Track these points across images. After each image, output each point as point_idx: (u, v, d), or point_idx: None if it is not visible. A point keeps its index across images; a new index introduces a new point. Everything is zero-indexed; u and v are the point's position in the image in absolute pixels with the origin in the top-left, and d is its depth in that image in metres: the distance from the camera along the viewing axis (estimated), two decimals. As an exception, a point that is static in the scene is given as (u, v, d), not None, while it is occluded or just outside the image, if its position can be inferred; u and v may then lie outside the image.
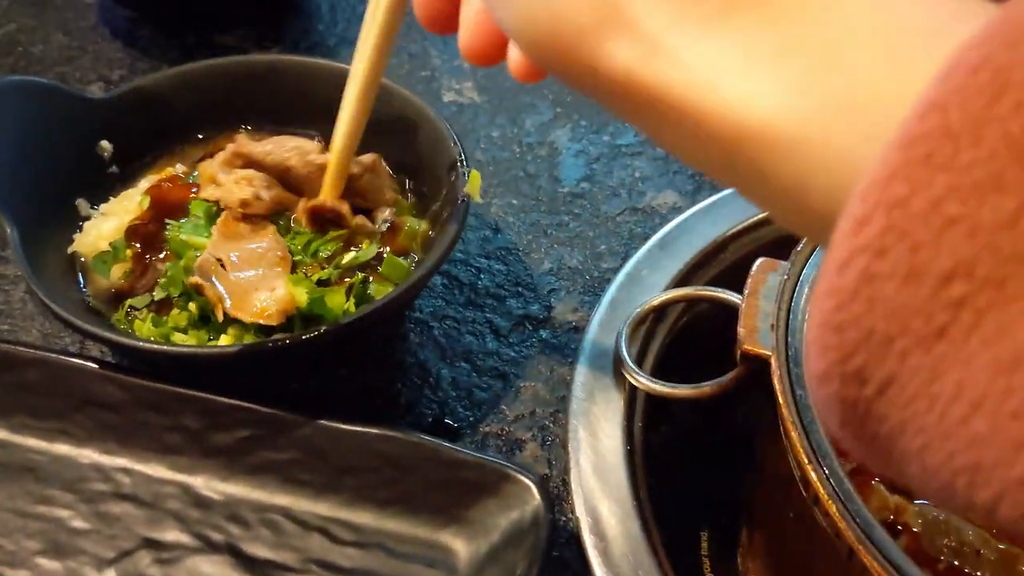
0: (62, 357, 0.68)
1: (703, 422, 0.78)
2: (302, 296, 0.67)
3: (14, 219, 0.67)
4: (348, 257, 0.71)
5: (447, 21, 0.49)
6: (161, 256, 0.71)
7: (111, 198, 0.76)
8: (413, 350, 0.76)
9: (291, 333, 0.66)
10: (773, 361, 0.62)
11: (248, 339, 0.66)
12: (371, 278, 0.71)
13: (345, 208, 0.72)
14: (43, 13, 1.09)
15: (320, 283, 0.70)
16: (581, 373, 0.74)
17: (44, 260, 0.69)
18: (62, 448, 0.68)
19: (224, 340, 0.67)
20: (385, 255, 0.71)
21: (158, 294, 0.70)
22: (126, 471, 0.67)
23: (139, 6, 1.07)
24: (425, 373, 0.75)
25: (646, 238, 0.85)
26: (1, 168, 0.69)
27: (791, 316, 0.65)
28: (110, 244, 0.72)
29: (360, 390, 0.74)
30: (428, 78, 1.02)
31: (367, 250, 0.72)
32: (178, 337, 0.67)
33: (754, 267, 0.71)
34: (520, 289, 0.81)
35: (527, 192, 0.90)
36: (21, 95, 0.73)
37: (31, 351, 0.69)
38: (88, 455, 0.68)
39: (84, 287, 0.72)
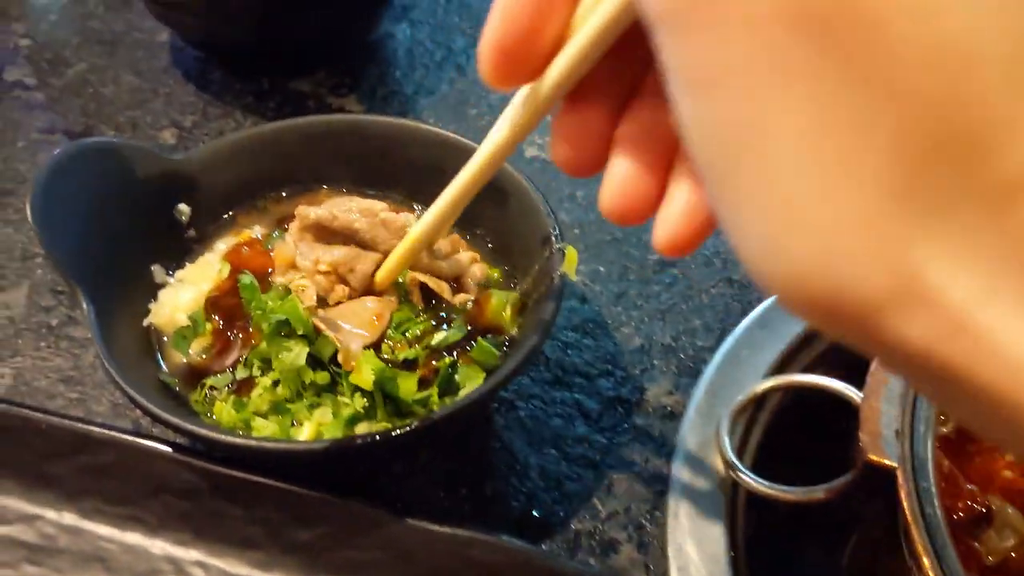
0: (137, 440, 0.65)
1: (812, 525, 0.73)
2: (368, 376, 0.63)
3: (90, 294, 0.64)
4: (438, 338, 0.68)
5: (594, 166, 0.41)
6: (242, 333, 0.67)
7: (187, 264, 0.73)
8: (498, 433, 0.72)
9: (379, 426, 0.62)
10: (899, 475, 0.57)
11: (329, 428, 0.62)
12: (459, 359, 0.67)
13: (444, 288, 0.69)
14: (114, 52, 1.07)
15: (406, 363, 0.66)
16: (679, 467, 0.70)
17: (118, 332, 0.66)
18: (134, 537, 0.64)
19: (307, 428, 0.63)
20: (476, 341, 0.67)
21: (240, 372, 0.66)
22: (201, 565, 0.63)
23: (211, 48, 1.04)
24: (511, 459, 0.71)
25: (743, 313, 0.80)
26: (77, 235, 0.66)
27: (915, 422, 0.60)
28: (189, 318, 0.68)
29: (444, 477, 0.69)
30: (509, 130, 0.98)
31: (456, 332, 0.68)
32: (258, 424, 0.63)
33: (873, 364, 0.66)
34: (610, 367, 0.77)
35: (614, 258, 0.85)
36: (100, 157, 0.70)
37: (104, 432, 0.66)
38: (161, 545, 0.64)
39: (161, 361, 0.69)
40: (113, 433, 0.65)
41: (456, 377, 0.66)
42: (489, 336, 0.69)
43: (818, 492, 0.65)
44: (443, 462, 0.70)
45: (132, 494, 0.65)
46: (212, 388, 0.66)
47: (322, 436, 0.62)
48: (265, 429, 0.63)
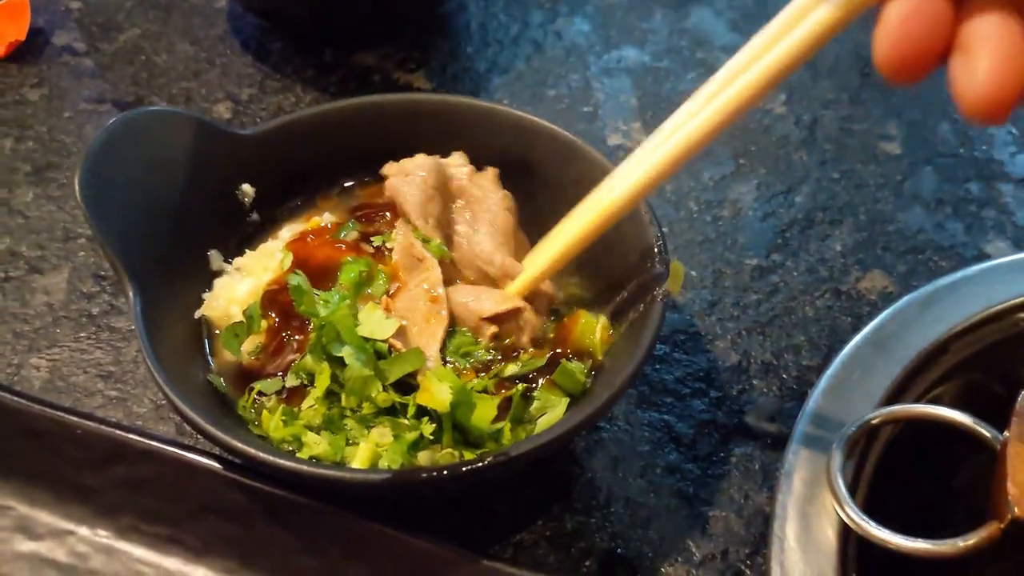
0: (181, 452, 0.58)
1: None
2: (444, 396, 0.55)
3: (139, 284, 0.57)
4: (511, 368, 0.60)
5: (927, 61, 0.37)
6: (298, 334, 0.60)
7: (247, 251, 0.66)
8: (579, 457, 0.65)
9: (444, 455, 0.55)
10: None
11: (389, 453, 0.55)
12: (538, 381, 0.60)
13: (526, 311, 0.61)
14: (169, 18, 1.00)
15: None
16: (783, 506, 0.61)
17: (166, 324, 0.59)
18: (173, 562, 0.58)
19: (363, 449, 0.55)
20: (560, 362, 0.59)
21: (290, 380, 0.59)
22: (247, 597, 0.57)
23: (272, 16, 0.97)
24: (594, 490, 0.63)
25: (853, 330, 0.71)
26: (128, 217, 0.59)
27: (1073, 474, 0.51)
28: (244, 312, 0.61)
29: (518, 507, 0.62)
30: (590, 115, 0.89)
31: (535, 360, 0.60)
32: (310, 439, 0.56)
33: (1019, 402, 0.57)
34: (703, 386, 0.69)
35: (707, 262, 0.77)
36: (156, 128, 0.63)
37: (145, 441, 0.59)
38: (203, 573, 0.57)
39: (210, 357, 0.62)
40: (155, 443, 0.59)
41: (534, 401, 0.59)
42: (574, 360, 0.61)
43: (946, 547, 0.56)
44: (517, 490, 0.63)
45: (174, 513, 0.58)
46: (261, 393, 0.59)
47: (379, 459, 0.55)
48: (316, 447, 0.56)
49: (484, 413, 0.55)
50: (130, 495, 0.59)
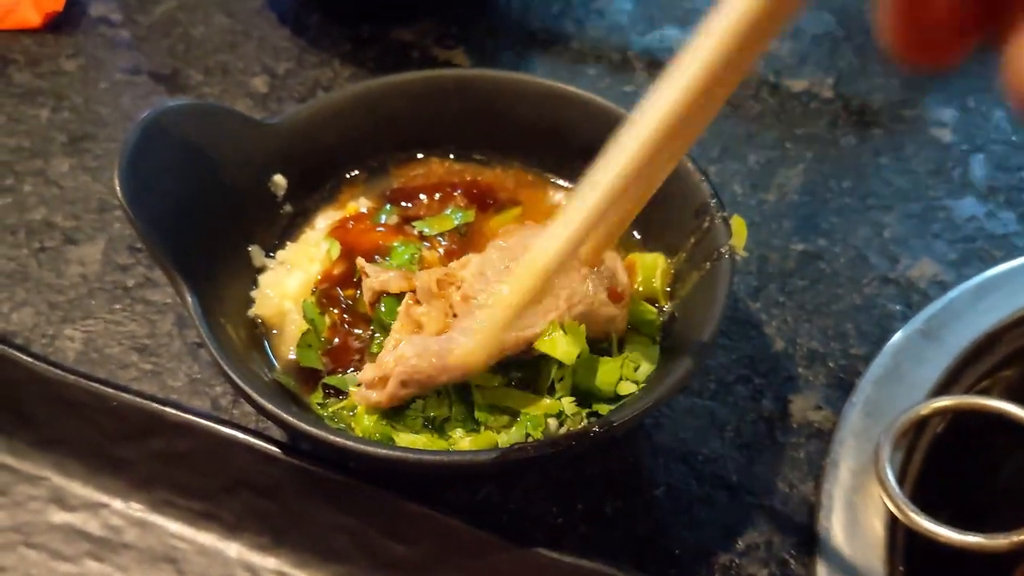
0: (215, 426, 0.57)
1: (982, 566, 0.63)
2: (572, 348, 0.54)
3: (193, 285, 0.55)
4: None
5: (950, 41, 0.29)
6: (361, 326, 0.59)
7: (288, 243, 0.64)
8: (619, 442, 0.63)
9: (548, 434, 0.54)
10: None
11: (477, 439, 0.54)
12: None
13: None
14: (206, -10, 0.99)
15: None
16: (829, 497, 0.60)
17: (220, 322, 0.57)
18: (208, 537, 0.57)
19: (467, 441, 0.54)
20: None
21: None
22: (280, 575, 0.56)
23: (310, -11, 0.96)
24: (635, 475, 0.61)
25: (903, 318, 0.70)
26: (170, 216, 0.57)
27: None
28: (304, 317, 0.59)
29: (557, 490, 0.61)
30: (632, 95, 0.88)
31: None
32: (405, 439, 0.54)
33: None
34: (748, 373, 0.67)
35: (751, 246, 0.75)
36: (188, 122, 0.60)
37: (181, 414, 0.58)
38: (237, 549, 0.57)
39: (270, 354, 0.60)
40: (191, 417, 0.58)
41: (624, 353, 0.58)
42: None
43: (1000, 541, 0.55)
44: (557, 477, 0.61)
45: (208, 487, 0.58)
46: (332, 389, 0.57)
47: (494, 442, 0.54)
48: (415, 444, 0.54)
49: (607, 376, 0.54)
50: (165, 469, 0.58)
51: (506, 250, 0.58)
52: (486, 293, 0.55)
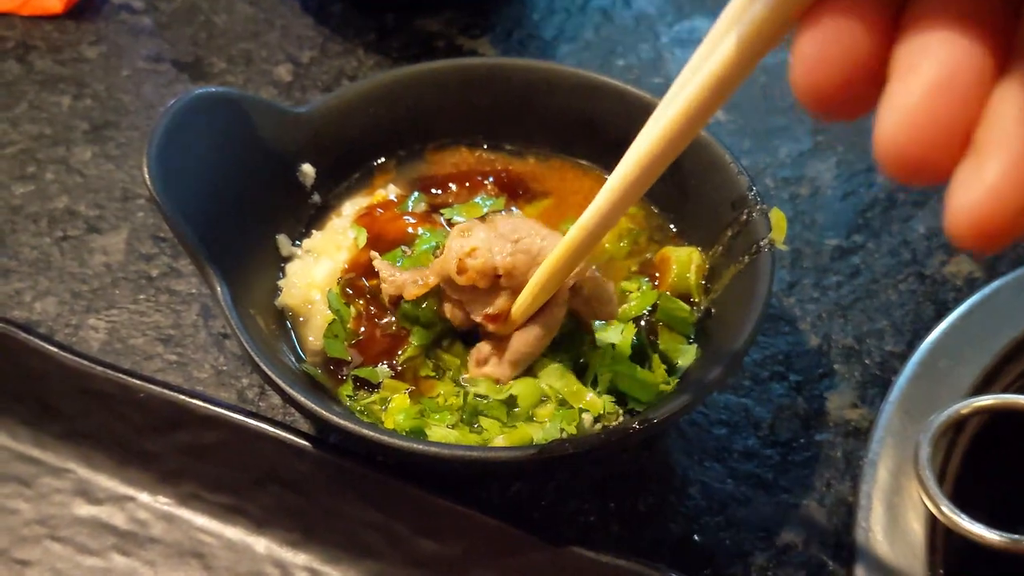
0: (243, 419, 0.56)
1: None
2: (627, 337, 0.56)
3: (222, 275, 0.54)
4: (625, 307, 0.59)
5: (858, 103, 0.28)
6: (388, 316, 0.58)
7: (314, 232, 0.63)
8: (654, 439, 0.62)
9: (586, 429, 0.53)
10: None
11: (511, 435, 0.53)
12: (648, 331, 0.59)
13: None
14: (228, -23, 0.98)
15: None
16: (867, 497, 0.59)
17: (249, 312, 0.56)
18: (236, 532, 0.56)
19: (502, 438, 0.53)
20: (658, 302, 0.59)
21: (405, 355, 0.57)
22: (310, 571, 0.55)
23: (334, -23, 0.95)
24: (668, 472, 0.60)
25: (938, 316, 0.68)
26: (199, 205, 0.55)
27: None
28: (331, 308, 0.58)
29: (591, 487, 0.60)
30: (661, 86, 0.86)
31: (644, 297, 0.59)
32: (438, 434, 0.53)
33: None
34: (783, 370, 0.66)
35: (786, 240, 0.74)
36: (216, 110, 0.59)
37: (208, 407, 0.57)
38: (266, 544, 0.56)
39: (297, 344, 0.59)
40: (218, 409, 0.57)
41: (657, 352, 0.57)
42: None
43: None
44: (588, 469, 0.60)
45: (236, 481, 0.56)
46: (362, 380, 0.56)
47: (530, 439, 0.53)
48: (448, 439, 0.54)
49: (645, 384, 0.55)
50: (192, 462, 0.57)
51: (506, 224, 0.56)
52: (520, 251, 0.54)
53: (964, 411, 0.60)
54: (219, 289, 0.53)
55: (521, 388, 0.55)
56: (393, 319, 0.57)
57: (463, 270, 0.53)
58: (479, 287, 0.54)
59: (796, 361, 0.66)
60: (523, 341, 0.55)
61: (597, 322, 0.57)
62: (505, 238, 0.54)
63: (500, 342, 0.56)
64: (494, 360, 0.56)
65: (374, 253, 0.59)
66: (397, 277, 0.57)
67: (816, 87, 0.27)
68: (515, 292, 0.53)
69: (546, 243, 0.53)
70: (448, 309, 0.56)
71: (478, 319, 0.55)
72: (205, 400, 0.57)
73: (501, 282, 0.53)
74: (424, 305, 0.56)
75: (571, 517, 0.58)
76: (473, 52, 0.89)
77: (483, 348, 0.56)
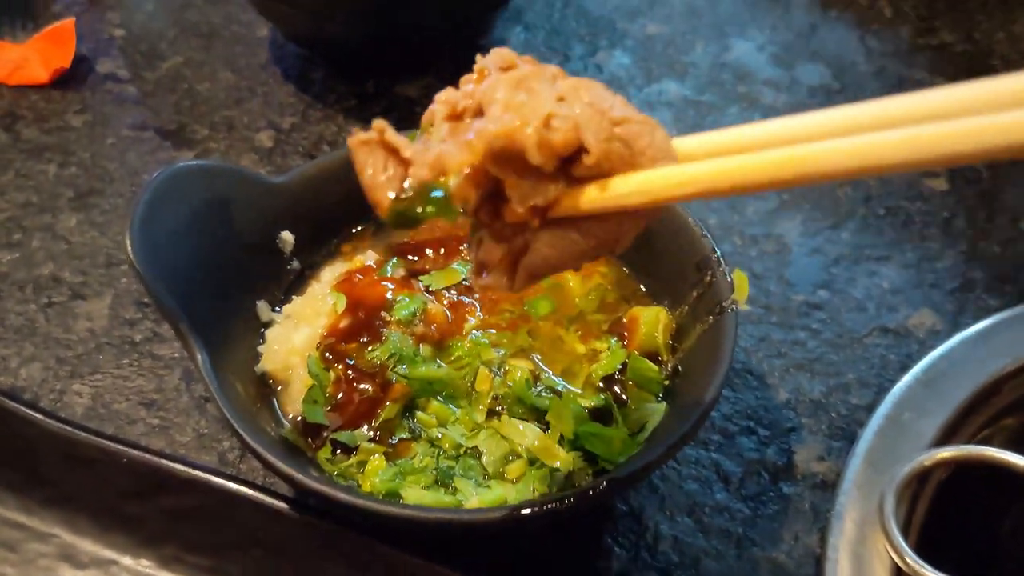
0: (224, 482, 0.57)
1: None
2: (569, 422, 0.57)
3: (203, 343, 0.56)
4: (596, 366, 0.61)
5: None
6: (366, 382, 0.60)
7: (294, 297, 0.65)
8: (625, 496, 0.64)
9: (570, 489, 0.55)
10: None
11: (485, 496, 0.54)
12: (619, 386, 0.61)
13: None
14: (211, 47, 1.01)
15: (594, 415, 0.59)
16: (836, 549, 0.60)
17: (229, 379, 0.58)
18: (218, 594, 0.57)
19: (476, 500, 0.55)
20: (628, 359, 0.61)
21: (382, 418, 0.58)
22: (291, 632, 0.56)
23: (314, 45, 0.98)
24: (641, 528, 0.62)
25: (902, 368, 0.70)
26: (180, 274, 0.57)
27: None
28: (310, 373, 0.60)
29: (565, 544, 0.61)
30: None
31: (613, 356, 0.61)
32: (413, 496, 0.55)
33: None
34: (752, 424, 0.67)
35: (753, 296, 0.76)
36: (197, 182, 0.62)
37: (189, 471, 0.58)
38: (247, 607, 0.57)
39: (278, 409, 0.61)
40: (199, 473, 0.58)
41: (632, 414, 0.59)
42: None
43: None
44: (564, 525, 0.62)
45: (217, 543, 0.58)
46: (340, 444, 0.58)
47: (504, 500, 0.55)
48: (423, 501, 0.55)
49: (618, 441, 0.56)
50: (174, 525, 0.58)
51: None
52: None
53: (927, 463, 0.62)
54: (199, 356, 0.54)
55: (489, 444, 0.57)
56: (367, 387, 0.59)
57: (544, 144, 0.40)
58: (545, 168, 0.41)
59: (764, 415, 0.68)
60: (551, 244, 0.43)
61: (561, 382, 0.59)
62: (601, 113, 0.42)
63: (515, 242, 0.44)
64: (502, 267, 0.45)
65: (385, 125, 0.46)
66: (430, 150, 0.43)
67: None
68: (574, 183, 0.42)
69: (655, 147, 0.41)
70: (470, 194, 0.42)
71: (521, 209, 0.42)
72: (186, 464, 0.59)
73: (575, 168, 0.41)
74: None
75: (546, 574, 0.60)
76: (450, 116, 0.92)
77: (491, 249, 0.44)
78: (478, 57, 0.46)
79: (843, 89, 0.95)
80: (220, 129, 0.91)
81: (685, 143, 0.42)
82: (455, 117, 0.44)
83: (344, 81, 0.95)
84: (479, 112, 0.43)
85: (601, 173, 0.41)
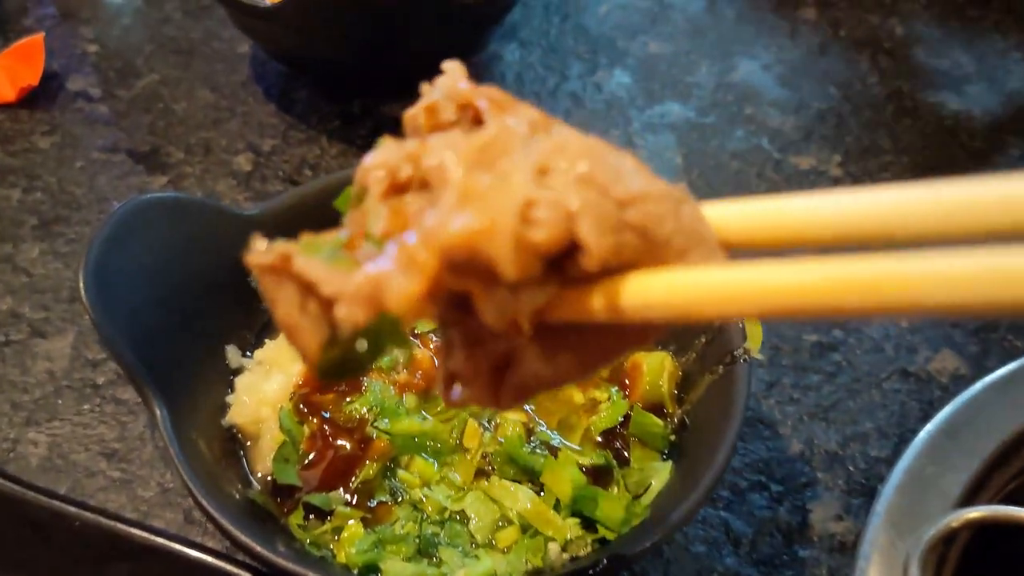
0: (185, 550, 0.52)
1: None
2: (566, 485, 0.51)
3: (164, 395, 0.51)
4: (595, 419, 0.55)
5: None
6: (343, 437, 0.54)
7: (267, 341, 0.60)
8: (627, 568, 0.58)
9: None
10: None
11: (472, 569, 0.49)
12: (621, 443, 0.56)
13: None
14: (190, 63, 0.96)
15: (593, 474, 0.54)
16: (857, 621, 0.55)
17: (193, 434, 0.53)
18: (178, 674, 0.52)
19: (463, 572, 0.49)
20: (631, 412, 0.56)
21: (361, 478, 0.53)
22: None
23: (297, 64, 0.93)
24: (644, 596, 0.57)
25: (924, 416, 0.65)
26: (139, 317, 0.53)
27: None
28: (282, 428, 0.55)
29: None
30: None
31: (614, 408, 0.55)
32: (393, 569, 0.50)
33: None
34: (763, 479, 0.62)
35: (764, 337, 0.70)
36: (161, 215, 0.57)
37: (148, 537, 0.53)
38: None
39: (247, 469, 0.56)
40: (159, 540, 0.53)
41: (634, 476, 0.54)
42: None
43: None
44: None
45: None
46: (314, 508, 0.53)
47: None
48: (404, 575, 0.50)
49: (613, 511, 0.50)
50: (132, 594, 0.53)
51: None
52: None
53: (955, 524, 0.57)
54: (159, 413, 0.49)
55: (477, 508, 0.52)
56: (344, 442, 0.54)
57: (523, 248, 0.29)
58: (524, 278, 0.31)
59: (777, 469, 0.63)
60: (546, 358, 0.33)
61: (557, 437, 0.54)
62: (603, 192, 0.30)
63: (495, 346, 0.33)
64: (481, 383, 0.34)
65: (293, 251, 0.35)
66: (360, 273, 0.31)
67: None
68: (571, 284, 0.31)
69: (683, 233, 0.30)
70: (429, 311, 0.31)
71: (497, 325, 0.31)
72: (144, 529, 0.53)
73: (570, 267, 0.30)
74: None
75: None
76: (440, 139, 0.87)
77: (464, 358, 0.34)
78: (424, 87, 0.38)
79: (855, 111, 0.90)
80: (196, 152, 0.86)
81: (715, 214, 0.32)
82: (396, 189, 0.34)
83: (328, 100, 0.90)
84: (426, 184, 0.32)
85: (609, 270, 0.30)
